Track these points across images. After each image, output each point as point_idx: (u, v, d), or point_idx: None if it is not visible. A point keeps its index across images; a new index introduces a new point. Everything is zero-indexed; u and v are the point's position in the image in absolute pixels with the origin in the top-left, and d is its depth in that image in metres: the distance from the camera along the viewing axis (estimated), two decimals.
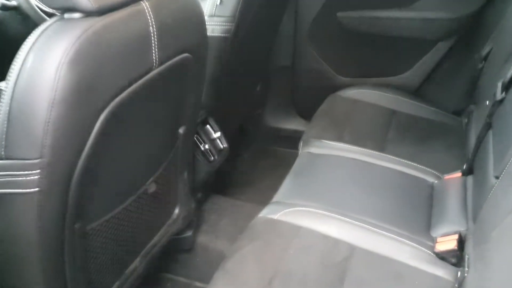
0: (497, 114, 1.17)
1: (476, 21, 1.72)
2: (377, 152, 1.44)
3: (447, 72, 1.84)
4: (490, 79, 1.50)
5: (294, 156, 2.14)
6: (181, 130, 1.13)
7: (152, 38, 0.87)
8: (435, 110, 1.73)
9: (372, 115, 1.67)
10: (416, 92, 1.91)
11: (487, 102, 1.23)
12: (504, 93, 1.16)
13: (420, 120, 1.67)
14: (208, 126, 1.43)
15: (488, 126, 1.22)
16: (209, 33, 1.27)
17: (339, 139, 1.52)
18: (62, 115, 0.71)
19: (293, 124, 2.16)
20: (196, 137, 1.38)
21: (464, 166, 1.37)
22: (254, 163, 2.09)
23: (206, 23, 1.19)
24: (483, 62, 1.57)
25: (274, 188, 1.93)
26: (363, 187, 1.28)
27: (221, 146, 1.47)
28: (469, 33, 1.75)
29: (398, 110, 1.70)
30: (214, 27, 1.37)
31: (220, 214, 1.52)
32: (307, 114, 2.12)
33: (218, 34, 1.37)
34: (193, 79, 1.08)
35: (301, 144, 1.52)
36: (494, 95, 1.21)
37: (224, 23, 1.36)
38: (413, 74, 1.90)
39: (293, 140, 2.16)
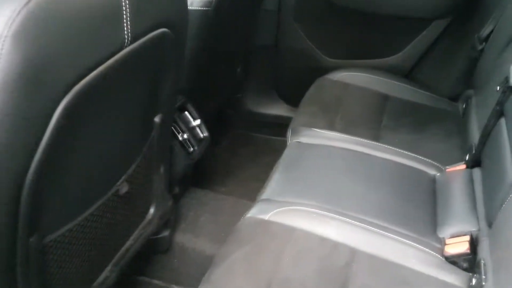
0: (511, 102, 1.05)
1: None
2: (372, 142, 1.32)
3: (442, 54, 1.72)
4: (493, 62, 1.39)
5: (277, 143, 2.02)
6: (157, 119, 0.97)
7: (124, 8, 0.71)
8: (430, 95, 1.62)
9: (365, 100, 1.54)
10: (409, 75, 1.79)
11: (497, 88, 1.11)
12: None
13: (415, 106, 1.56)
14: (186, 113, 1.28)
15: (498, 114, 1.10)
16: (188, 6, 1.11)
17: (331, 127, 1.39)
18: (7, 106, 0.55)
19: (275, 109, 2.02)
20: (174, 126, 1.22)
21: (467, 157, 1.26)
22: (234, 151, 1.94)
23: None
24: (484, 43, 1.46)
25: (256, 178, 1.80)
26: (361, 182, 1.16)
27: (201, 135, 1.32)
28: (467, 11, 1.63)
29: (391, 94, 1.58)
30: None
31: (199, 210, 1.37)
32: (290, 99, 1.99)
33: (197, 8, 1.21)
34: (172, 59, 0.92)
35: (289, 132, 1.38)
36: (507, 80, 1.09)
37: None
38: (405, 56, 1.77)
39: (275, 126, 2.03)
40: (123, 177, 0.89)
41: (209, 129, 1.40)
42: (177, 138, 1.22)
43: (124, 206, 0.94)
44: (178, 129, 1.23)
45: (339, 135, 1.33)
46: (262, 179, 1.78)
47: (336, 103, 1.51)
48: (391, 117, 1.47)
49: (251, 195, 1.65)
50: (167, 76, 0.94)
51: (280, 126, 2.01)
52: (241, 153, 1.93)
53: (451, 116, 1.53)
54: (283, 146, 1.97)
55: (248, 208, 1.23)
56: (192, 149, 1.27)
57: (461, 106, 1.55)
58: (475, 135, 1.29)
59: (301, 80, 1.91)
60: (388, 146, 1.30)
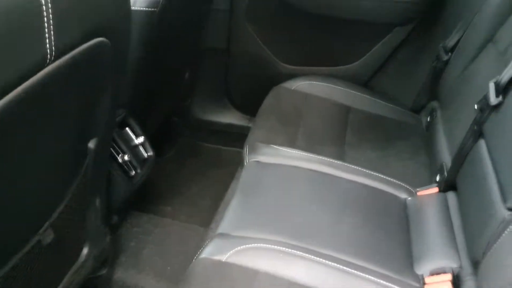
0: (493, 122, 0.96)
1: (439, 5, 1.52)
2: (337, 161, 1.20)
3: (404, 62, 1.64)
4: (460, 74, 1.31)
5: (228, 154, 1.87)
6: (91, 144, 0.79)
7: (46, 19, 0.54)
8: (392, 106, 1.52)
9: (326, 113, 1.42)
10: (368, 84, 1.70)
11: (475, 106, 1.02)
12: (501, 97, 0.95)
13: (377, 119, 1.46)
14: (127, 129, 1.10)
15: (476, 134, 1.01)
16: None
17: (292, 143, 1.26)
18: None
19: (226, 117, 1.87)
20: (112, 146, 1.04)
21: (437, 177, 1.17)
22: (181, 163, 1.77)
23: None
24: (450, 53, 1.38)
25: (205, 195, 1.64)
26: (330, 210, 1.03)
27: (145, 155, 1.15)
28: (431, 18, 1.55)
29: (352, 106, 1.47)
30: None
31: (142, 240, 1.20)
32: (243, 106, 1.85)
33: (141, 8, 1.03)
34: (111, 72, 0.75)
35: (246, 149, 1.23)
36: (485, 98, 0.99)
37: None
38: (365, 64, 1.67)
39: (226, 135, 1.88)
40: (45, 225, 0.70)
41: (152, 138, 1.23)
42: (116, 160, 1.04)
43: (50, 254, 0.75)
44: (118, 149, 1.05)
45: (302, 154, 1.20)
46: (211, 196, 1.63)
47: (296, 116, 1.38)
48: (355, 132, 1.37)
49: (200, 216, 1.50)
50: (105, 92, 0.76)
51: (232, 135, 1.87)
52: (189, 165, 1.76)
53: (415, 130, 1.44)
54: (234, 157, 1.84)
55: (197, 234, 1.08)
56: (134, 172, 1.09)
57: (425, 119, 1.47)
58: (444, 153, 1.21)
59: (255, 86, 1.77)
60: (355, 167, 1.18)
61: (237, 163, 1.80)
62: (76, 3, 0.59)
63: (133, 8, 1.02)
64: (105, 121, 0.80)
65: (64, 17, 0.56)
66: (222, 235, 0.95)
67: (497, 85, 0.97)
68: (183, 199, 1.57)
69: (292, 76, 1.64)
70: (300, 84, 1.53)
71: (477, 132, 1.01)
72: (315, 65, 1.71)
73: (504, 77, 0.96)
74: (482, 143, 0.99)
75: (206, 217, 1.48)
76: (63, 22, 0.56)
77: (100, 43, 0.66)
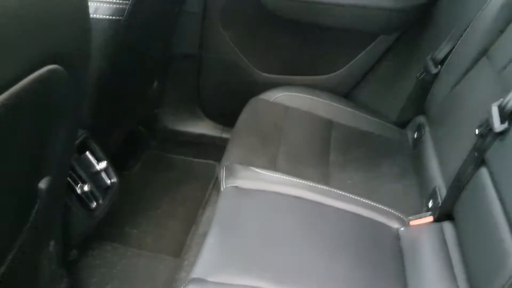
0: (497, 150, 0.87)
1: (426, 15, 1.43)
2: (323, 187, 1.09)
3: (388, 73, 1.55)
4: (451, 89, 1.22)
5: (199, 167, 1.74)
6: (42, 185, 0.65)
7: None
8: (376, 120, 1.43)
9: (308, 128, 1.32)
10: (350, 95, 1.60)
11: (476, 131, 0.93)
12: (506, 123, 0.86)
13: (362, 134, 1.36)
14: (88, 153, 0.96)
15: (478, 162, 0.92)
16: (91, 14, 0.80)
17: (273, 165, 1.15)
18: None
19: (197, 126, 1.74)
20: (70, 175, 0.90)
21: (430, 203, 1.08)
22: (148, 178, 1.63)
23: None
24: (439, 66, 1.29)
25: (175, 215, 1.51)
26: (317, 246, 0.93)
27: (108, 182, 1.01)
28: (418, 27, 1.46)
29: (335, 120, 1.37)
30: (99, 5, 0.89)
31: (105, 275, 1.06)
32: (216, 116, 1.73)
33: (104, 16, 0.89)
34: (67, 102, 0.61)
35: (222, 172, 1.11)
36: (487, 123, 0.91)
37: (114, 0, 0.89)
38: (347, 74, 1.58)
39: (197, 146, 1.75)
40: None
41: (117, 151, 1.09)
42: (75, 191, 0.90)
43: None
44: (76, 178, 0.91)
45: (284, 178, 1.09)
46: (182, 215, 1.50)
47: (276, 132, 1.27)
48: (339, 150, 1.27)
49: (170, 240, 1.37)
50: (60, 125, 0.63)
51: (203, 146, 1.75)
52: (156, 181, 1.62)
53: (401, 147, 1.35)
54: (206, 170, 1.72)
55: (166, 266, 0.96)
56: (95, 203, 0.95)
57: (411, 134, 1.38)
58: (436, 177, 1.12)
59: (229, 95, 1.66)
60: (342, 192, 1.08)
61: (210, 176, 1.69)
62: (20, 27, 0.46)
63: (94, 16, 0.88)
64: (59, 156, 0.67)
65: (4, 47, 0.43)
66: (196, 280, 0.82)
67: (501, 109, 0.89)
68: (151, 220, 1.44)
69: (268, 85, 1.53)
70: (279, 96, 1.42)
71: (478, 159, 0.92)
72: (294, 73, 1.60)
73: (509, 102, 0.87)
74: (484, 171, 0.91)
75: (177, 242, 1.36)
76: (4, 54, 0.43)
77: (54, 71, 0.53)
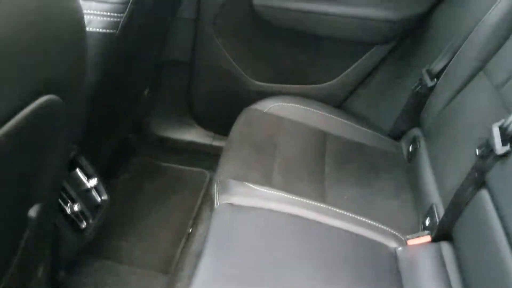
0: (499, 173, 0.86)
1: (422, 25, 1.42)
2: (319, 204, 1.07)
3: (382, 84, 1.53)
4: (448, 103, 1.21)
5: (190, 175, 1.71)
6: (32, 213, 0.62)
7: None
8: (371, 132, 1.42)
9: (302, 140, 1.30)
10: (343, 106, 1.58)
11: (477, 151, 0.92)
12: (509, 145, 0.85)
13: (357, 147, 1.35)
14: (78, 171, 0.92)
15: (478, 183, 0.91)
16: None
17: (268, 180, 1.12)
18: None
19: (188, 134, 1.71)
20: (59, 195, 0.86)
21: (427, 221, 1.07)
22: (137, 186, 1.59)
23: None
24: (435, 80, 1.28)
25: (165, 226, 1.48)
26: (314, 265, 0.91)
27: (98, 200, 0.97)
28: (413, 38, 1.45)
29: (329, 132, 1.36)
30: (92, 17, 0.85)
31: None
32: (207, 123, 1.70)
33: (97, 29, 0.86)
34: (62, 130, 0.58)
35: (216, 188, 1.08)
36: (488, 144, 0.89)
37: (108, 13, 0.85)
38: (340, 83, 1.56)
39: (188, 154, 1.72)
40: None
41: (107, 161, 1.06)
42: (64, 211, 0.87)
43: None
44: (66, 197, 0.88)
45: (280, 194, 1.07)
46: (172, 226, 1.47)
47: (270, 144, 1.25)
48: (334, 163, 1.25)
49: (161, 254, 1.34)
50: (55, 152, 0.60)
51: (194, 154, 1.71)
52: (146, 190, 1.59)
53: (397, 160, 1.34)
54: (197, 178, 1.69)
55: (158, 283, 0.92)
56: (85, 223, 0.91)
57: (406, 147, 1.37)
58: (433, 194, 1.11)
59: (221, 102, 1.63)
60: (338, 210, 1.07)
61: (200, 185, 1.65)
62: (8, 64, 0.42)
63: (88, 29, 0.84)
64: (51, 183, 0.63)
65: None
66: None
67: (502, 131, 0.87)
68: (140, 231, 1.40)
69: (261, 93, 1.51)
70: (273, 106, 1.39)
71: (479, 181, 0.91)
72: (287, 82, 1.58)
73: (511, 125, 0.86)
74: (484, 193, 0.89)
75: (167, 255, 1.33)
76: None
77: (50, 101, 0.50)
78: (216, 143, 1.68)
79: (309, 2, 1.44)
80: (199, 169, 1.68)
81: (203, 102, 1.65)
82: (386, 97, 1.52)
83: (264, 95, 1.46)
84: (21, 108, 0.45)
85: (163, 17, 1.23)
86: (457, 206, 0.95)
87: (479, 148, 0.92)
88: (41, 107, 0.48)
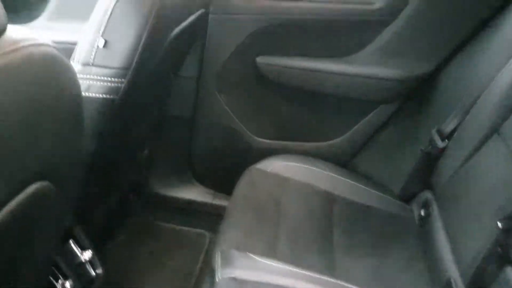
0: None
1: (430, 84, 1.39)
2: (328, 279, 1.00)
3: (390, 143, 1.49)
4: (460, 166, 1.16)
5: (189, 236, 1.63)
6: None
7: None
8: (379, 194, 1.36)
9: (308, 203, 1.24)
10: (349, 165, 1.53)
11: (499, 224, 0.86)
12: None
13: (366, 211, 1.28)
14: (71, 242, 0.86)
15: (502, 259, 0.84)
16: (82, 91, 0.73)
17: (273, 250, 1.05)
18: None
19: (188, 192, 1.65)
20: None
21: None
22: (134, 248, 1.51)
23: (79, 75, 0.66)
24: (447, 141, 1.23)
25: None
26: None
27: (93, 274, 0.90)
28: (421, 97, 1.42)
29: (336, 194, 1.30)
30: (92, 82, 0.81)
31: None
32: (207, 181, 1.64)
33: (97, 95, 0.81)
34: (55, 210, 0.52)
35: (218, 258, 1.01)
36: (510, 218, 0.83)
37: (108, 78, 0.81)
38: (346, 142, 1.51)
39: (187, 213, 1.65)
40: None
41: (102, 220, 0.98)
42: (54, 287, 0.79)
43: None
44: (57, 273, 0.81)
45: (286, 268, 1.00)
46: None
47: (275, 209, 1.18)
48: (343, 230, 1.18)
49: None
50: (44, 235, 0.53)
51: (194, 213, 1.65)
52: (143, 252, 1.51)
53: (408, 226, 1.27)
54: (196, 239, 1.61)
55: None
56: None
57: (417, 211, 1.31)
58: (450, 266, 1.04)
59: (223, 160, 1.58)
60: (348, 285, 0.99)
61: (200, 248, 1.58)
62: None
63: (86, 94, 0.80)
64: (41, 264, 0.57)
65: None
66: None
67: None
68: None
69: (264, 150, 1.47)
70: (277, 166, 1.34)
71: (503, 257, 0.84)
72: (291, 140, 1.53)
73: None
74: (509, 270, 0.82)
75: None
76: None
77: (39, 188, 0.44)
78: (216, 201, 1.62)
79: (313, 60, 1.42)
80: (199, 230, 1.61)
81: (204, 160, 1.60)
82: (394, 157, 1.47)
83: (267, 152, 1.42)
84: (7, 200, 0.40)
85: (165, 78, 1.20)
86: (479, 284, 0.88)
87: (501, 220, 0.86)
88: (31, 195, 0.43)
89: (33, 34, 0.48)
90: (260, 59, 1.43)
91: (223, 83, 1.45)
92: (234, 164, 1.43)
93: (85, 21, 1.38)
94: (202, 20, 1.30)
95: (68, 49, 1.34)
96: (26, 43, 0.45)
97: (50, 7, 1.42)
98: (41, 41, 0.48)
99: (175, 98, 1.49)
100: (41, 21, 1.43)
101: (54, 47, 0.50)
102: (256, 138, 1.52)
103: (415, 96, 1.42)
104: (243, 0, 1.37)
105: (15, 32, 0.47)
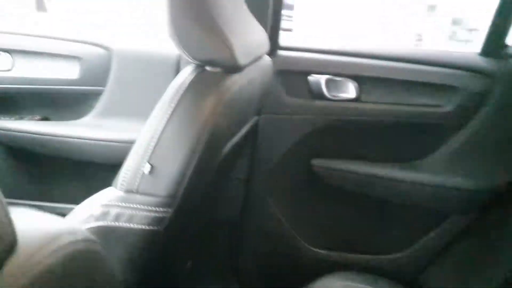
0: None
1: (507, 195, 1.23)
2: None
3: (464, 259, 1.30)
4: None
5: None
6: None
7: None
8: None
9: None
10: (416, 283, 1.34)
11: None
12: None
13: None
14: None
15: None
16: (121, 223, 0.63)
17: None
18: None
19: None
20: None
21: None
22: None
23: (121, 203, 0.58)
24: None
25: None
26: None
27: None
28: (498, 207, 1.25)
29: None
30: (134, 212, 0.70)
31: None
32: None
33: (139, 226, 0.71)
34: None
35: None
36: None
37: (152, 207, 0.71)
38: (412, 256, 1.34)
39: None
40: None
41: None
42: None
43: None
44: None
45: None
46: None
47: None
48: None
49: None
50: None
51: None
52: None
53: None
54: None
55: None
56: None
57: None
58: None
59: (272, 270, 1.43)
60: None
61: None
62: None
63: (128, 225, 0.70)
64: None
65: None
66: None
67: None
68: None
69: (317, 262, 1.32)
70: (334, 285, 1.17)
71: None
72: (347, 251, 1.37)
73: None
74: None
75: None
76: None
77: None
78: None
79: (373, 164, 1.29)
80: None
81: (252, 269, 1.45)
82: (468, 275, 1.28)
83: (320, 263, 1.27)
84: None
85: (215, 190, 1.10)
86: None
87: None
88: None
89: (70, 225, 0.42)
90: (315, 162, 1.32)
91: (274, 184, 1.34)
92: (284, 274, 1.28)
93: (132, 120, 1.34)
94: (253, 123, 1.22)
95: (114, 147, 1.30)
96: (66, 240, 0.39)
97: (99, 104, 1.38)
98: (80, 236, 0.41)
99: (220, 203, 1.38)
100: (90, 118, 1.39)
101: (94, 241, 0.43)
102: (308, 246, 1.38)
103: (497, 207, 1.26)
104: (297, 99, 1.29)
105: (51, 223, 0.41)
